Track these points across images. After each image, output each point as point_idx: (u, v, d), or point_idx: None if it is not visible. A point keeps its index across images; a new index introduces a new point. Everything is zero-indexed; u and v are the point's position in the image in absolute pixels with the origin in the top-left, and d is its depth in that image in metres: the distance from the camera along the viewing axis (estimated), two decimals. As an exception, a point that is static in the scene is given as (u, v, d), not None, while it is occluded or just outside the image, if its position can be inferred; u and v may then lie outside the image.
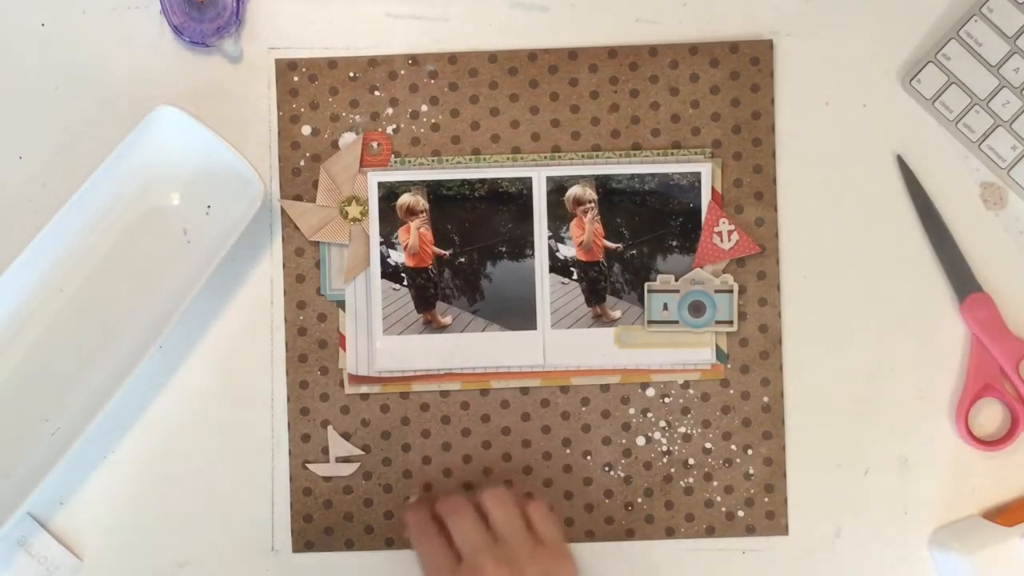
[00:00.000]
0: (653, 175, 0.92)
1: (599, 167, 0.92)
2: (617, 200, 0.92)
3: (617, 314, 0.92)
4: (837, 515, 0.92)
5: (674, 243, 0.92)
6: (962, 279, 0.92)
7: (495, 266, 0.92)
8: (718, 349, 0.92)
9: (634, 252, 0.92)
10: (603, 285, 0.92)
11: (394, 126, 0.93)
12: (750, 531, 0.92)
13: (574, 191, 0.92)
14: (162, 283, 0.90)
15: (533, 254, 0.92)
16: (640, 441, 0.92)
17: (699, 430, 0.92)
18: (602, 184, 0.92)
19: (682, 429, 0.92)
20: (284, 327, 0.92)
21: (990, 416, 0.93)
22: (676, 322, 0.92)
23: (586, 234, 0.92)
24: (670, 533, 0.92)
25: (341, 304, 0.93)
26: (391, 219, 0.92)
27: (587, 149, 0.93)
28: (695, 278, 0.92)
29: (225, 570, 0.92)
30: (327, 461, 0.92)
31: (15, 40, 0.93)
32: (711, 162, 0.92)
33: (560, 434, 0.92)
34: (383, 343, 0.92)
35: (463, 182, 0.92)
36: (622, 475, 0.92)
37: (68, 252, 0.90)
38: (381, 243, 0.92)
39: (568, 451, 0.92)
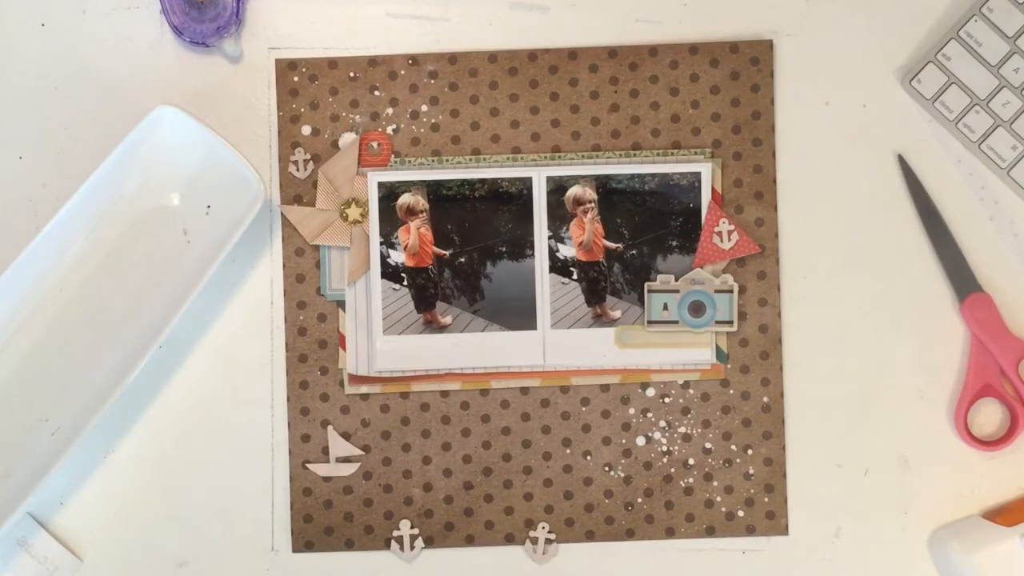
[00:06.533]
0: (653, 175, 0.92)
1: (599, 167, 0.92)
2: (617, 200, 0.92)
3: (617, 314, 0.92)
4: (837, 515, 0.92)
5: (674, 243, 0.92)
6: (962, 279, 0.92)
7: (495, 266, 0.92)
8: (718, 349, 0.92)
9: (634, 252, 0.92)
10: (603, 285, 0.92)
11: (394, 126, 0.93)
12: (750, 531, 0.92)
13: (574, 191, 0.92)
14: (162, 283, 0.90)
15: (533, 254, 0.92)
16: (640, 441, 0.92)
17: (699, 430, 0.92)
18: (602, 184, 0.92)
19: (682, 429, 0.92)
20: (284, 327, 0.92)
21: (990, 416, 0.93)
22: (676, 322, 0.92)
23: (586, 234, 0.92)
24: (670, 533, 0.92)
25: (341, 304, 0.93)
26: (391, 219, 0.92)
27: (587, 149, 0.93)
28: (695, 278, 0.92)
29: (225, 570, 0.92)
30: (327, 461, 0.92)
31: (15, 40, 0.93)
32: (711, 162, 0.92)
33: (560, 434, 0.92)
34: (383, 343, 0.92)
35: (463, 182, 0.92)
36: (622, 475, 0.92)
37: (68, 252, 0.90)
38: (381, 243, 0.92)
39: (568, 451, 0.92)
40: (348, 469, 0.92)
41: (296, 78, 0.93)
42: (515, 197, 0.92)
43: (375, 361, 0.92)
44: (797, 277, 0.93)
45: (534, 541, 0.92)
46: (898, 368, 0.92)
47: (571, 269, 0.92)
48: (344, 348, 0.92)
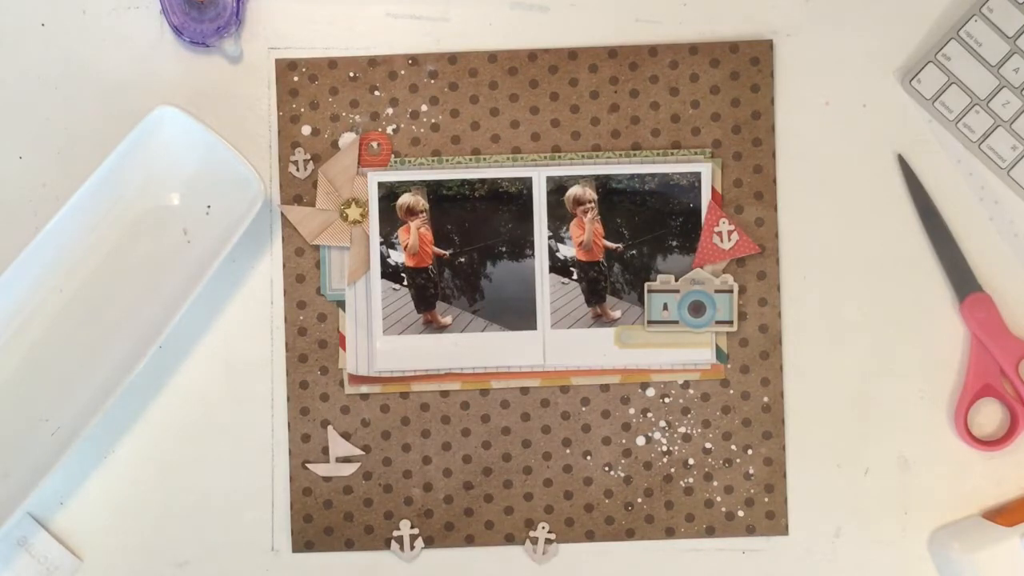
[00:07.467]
0: (653, 175, 0.92)
1: (599, 167, 0.92)
2: (617, 200, 0.92)
3: (617, 314, 0.92)
4: (837, 515, 0.92)
5: (674, 243, 0.92)
6: (962, 279, 0.92)
7: (495, 266, 0.92)
8: (718, 349, 0.92)
9: (634, 252, 0.92)
10: (603, 285, 0.92)
11: (394, 126, 0.93)
12: (750, 531, 0.92)
13: (574, 191, 0.92)
14: (162, 283, 0.90)
15: (533, 254, 0.92)
16: (640, 441, 0.92)
17: (699, 430, 0.92)
18: (602, 184, 0.92)
19: (682, 429, 0.92)
20: (284, 327, 0.92)
21: (990, 416, 0.93)
22: (676, 322, 0.92)
23: (586, 234, 0.92)
24: (670, 533, 0.92)
25: (341, 304, 0.93)
26: (391, 219, 0.92)
27: (587, 149, 0.93)
28: (695, 278, 0.92)
29: (225, 570, 0.92)
30: (327, 461, 0.92)
31: (15, 40, 0.93)
32: (711, 162, 0.92)
33: (560, 434, 0.92)
34: (383, 343, 0.92)
35: (463, 182, 0.92)
36: (622, 475, 0.92)
37: (68, 252, 0.90)
38: (381, 243, 0.92)
39: (568, 451, 0.92)
40: (348, 469, 0.92)
41: (296, 78, 0.93)
42: (515, 197, 0.92)
43: (375, 361, 0.92)
44: (797, 277, 0.93)
45: (534, 541, 0.92)
46: (898, 368, 0.92)
47: (571, 269, 0.92)
48: (344, 348, 0.92)
